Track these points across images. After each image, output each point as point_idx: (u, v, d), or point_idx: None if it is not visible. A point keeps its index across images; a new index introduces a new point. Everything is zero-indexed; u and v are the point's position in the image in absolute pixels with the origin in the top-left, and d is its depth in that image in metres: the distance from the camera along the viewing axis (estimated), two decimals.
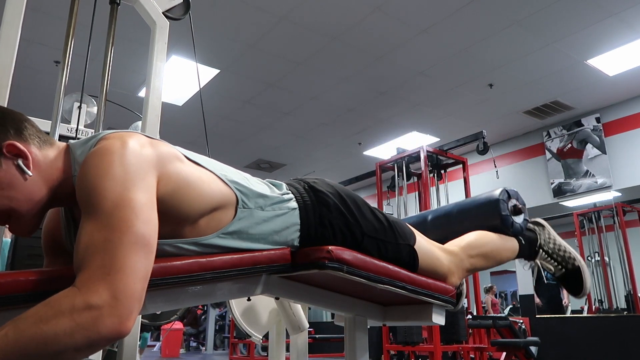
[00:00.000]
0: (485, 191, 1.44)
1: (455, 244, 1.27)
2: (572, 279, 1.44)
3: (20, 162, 0.79)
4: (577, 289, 1.43)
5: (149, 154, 0.79)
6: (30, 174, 0.80)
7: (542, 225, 1.50)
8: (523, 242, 1.41)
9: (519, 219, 1.39)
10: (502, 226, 1.36)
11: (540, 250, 1.46)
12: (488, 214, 1.38)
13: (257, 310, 1.92)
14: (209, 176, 0.89)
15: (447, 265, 1.18)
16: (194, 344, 10.10)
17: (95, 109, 2.88)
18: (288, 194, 1.00)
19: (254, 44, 4.26)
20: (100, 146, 0.78)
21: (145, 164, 0.77)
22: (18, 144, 0.79)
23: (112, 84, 1.73)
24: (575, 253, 1.46)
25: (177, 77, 4.78)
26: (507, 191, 1.40)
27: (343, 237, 1.00)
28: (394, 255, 1.07)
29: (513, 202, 1.39)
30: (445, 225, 1.47)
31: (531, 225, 1.49)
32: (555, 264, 1.45)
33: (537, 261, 1.46)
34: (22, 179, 0.80)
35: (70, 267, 0.72)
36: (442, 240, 1.28)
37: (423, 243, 1.16)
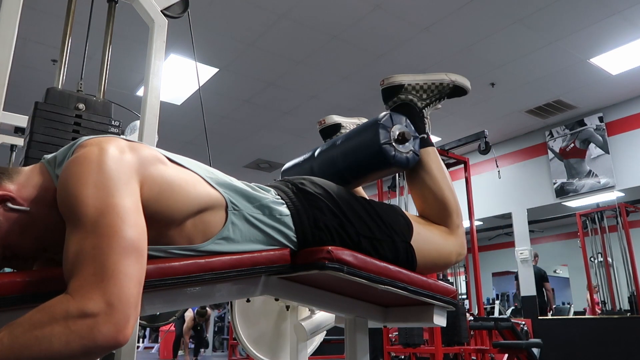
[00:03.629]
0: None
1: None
2: (456, 93, 1.36)
3: (9, 204, 0.77)
4: (462, 93, 1.36)
5: (130, 159, 0.78)
6: (27, 207, 0.78)
7: (404, 87, 1.28)
8: (417, 148, 1.22)
9: (404, 148, 1.18)
10: (383, 159, 1.16)
11: (425, 111, 1.31)
12: (368, 143, 1.18)
13: (269, 339, 1.88)
14: (193, 178, 0.88)
15: (449, 247, 1.16)
16: (193, 346, 10.09)
17: None
18: (278, 199, 0.98)
19: (253, 42, 4.24)
20: (78, 154, 0.75)
21: (126, 169, 0.76)
22: None
23: (110, 82, 1.72)
24: (442, 74, 1.31)
25: (176, 76, 4.77)
26: (391, 116, 1.19)
27: (340, 238, 0.99)
28: (391, 254, 1.04)
29: (398, 128, 1.18)
30: (330, 164, 1.28)
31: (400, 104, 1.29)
32: (438, 100, 1.35)
33: (428, 117, 1.32)
34: (25, 216, 0.78)
35: None
36: (333, 178, 1.16)
37: (421, 232, 1.12)
